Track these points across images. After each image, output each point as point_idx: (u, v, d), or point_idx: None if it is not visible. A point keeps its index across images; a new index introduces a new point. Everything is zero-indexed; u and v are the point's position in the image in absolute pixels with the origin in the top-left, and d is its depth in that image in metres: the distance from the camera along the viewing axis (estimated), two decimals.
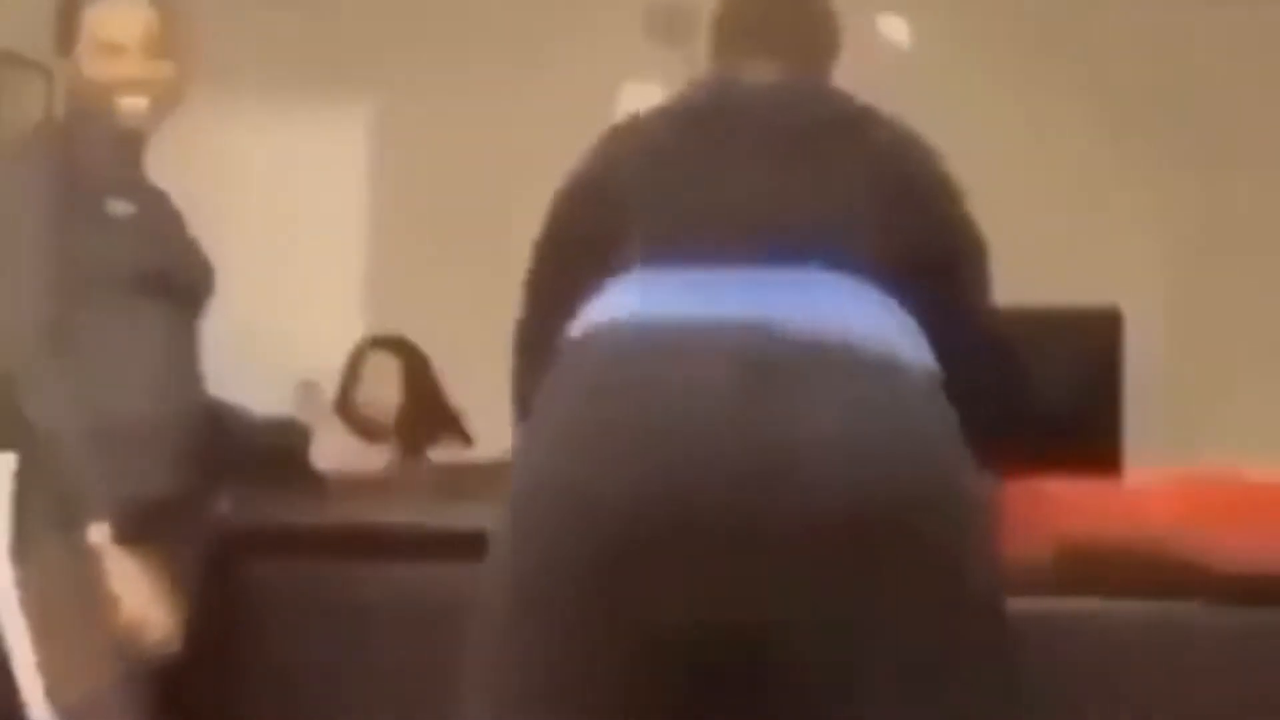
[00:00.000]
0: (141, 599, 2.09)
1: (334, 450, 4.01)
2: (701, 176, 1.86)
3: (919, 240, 1.87)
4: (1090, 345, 5.84)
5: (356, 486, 2.57)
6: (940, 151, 1.99)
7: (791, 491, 1.55)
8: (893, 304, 1.76)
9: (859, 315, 1.70)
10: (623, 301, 1.74)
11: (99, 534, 2.08)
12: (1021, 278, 5.89)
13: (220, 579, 2.44)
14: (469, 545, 1.79)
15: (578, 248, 1.90)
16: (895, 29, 4.70)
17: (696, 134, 1.92)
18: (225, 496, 2.58)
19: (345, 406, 4.45)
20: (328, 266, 6.44)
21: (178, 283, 2.36)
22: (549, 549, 1.60)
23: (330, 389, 4.62)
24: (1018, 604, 2.22)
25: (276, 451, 2.51)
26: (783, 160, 1.86)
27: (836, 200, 1.83)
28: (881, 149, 1.92)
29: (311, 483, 2.54)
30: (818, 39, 2.12)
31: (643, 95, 4.49)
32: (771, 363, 1.59)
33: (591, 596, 1.57)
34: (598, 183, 1.93)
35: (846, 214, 1.83)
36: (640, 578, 1.56)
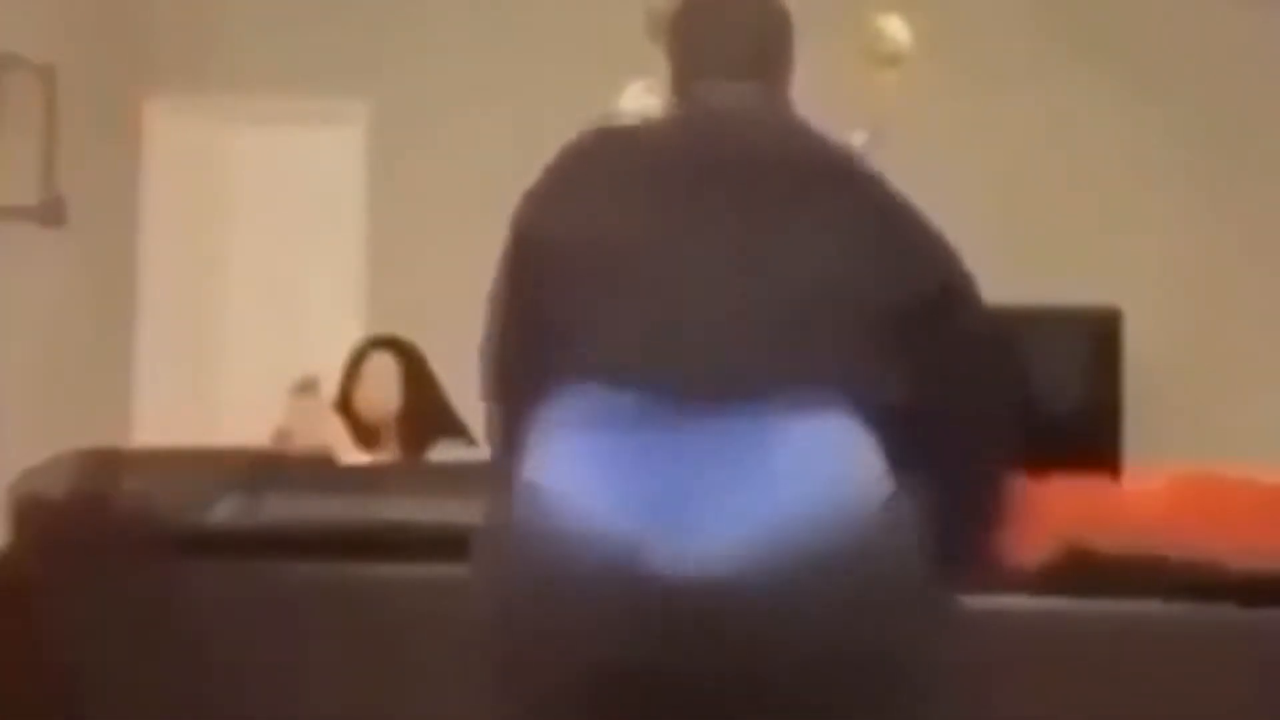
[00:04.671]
0: None
1: (333, 449, 4.01)
2: (653, 243, 1.81)
3: (907, 292, 1.82)
4: (1091, 345, 5.85)
5: (356, 485, 2.57)
6: (898, 191, 1.91)
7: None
8: (855, 435, 1.70)
9: (790, 495, 1.65)
10: (556, 464, 1.73)
11: None
12: (1022, 278, 5.91)
13: (218, 579, 2.44)
14: (468, 545, 1.79)
15: (528, 304, 1.91)
16: (896, 29, 4.69)
17: (651, 188, 1.87)
18: (224, 498, 2.57)
19: (345, 406, 4.44)
20: (327, 267, 6.45)
21: None
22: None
23: (330, 389, 4.61)
24: (1018, 604, 2.22)
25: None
26: (744, 232, 1.80)
27: (801, 282, 1.77)
28: (849, 215, 1.85)
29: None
30: (775, 61, 2.05)
31: (642, 94, 4.48)
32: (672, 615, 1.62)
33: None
34: (546, 252, 1.89)
35: (812, 291, 1.77)
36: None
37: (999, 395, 1.90)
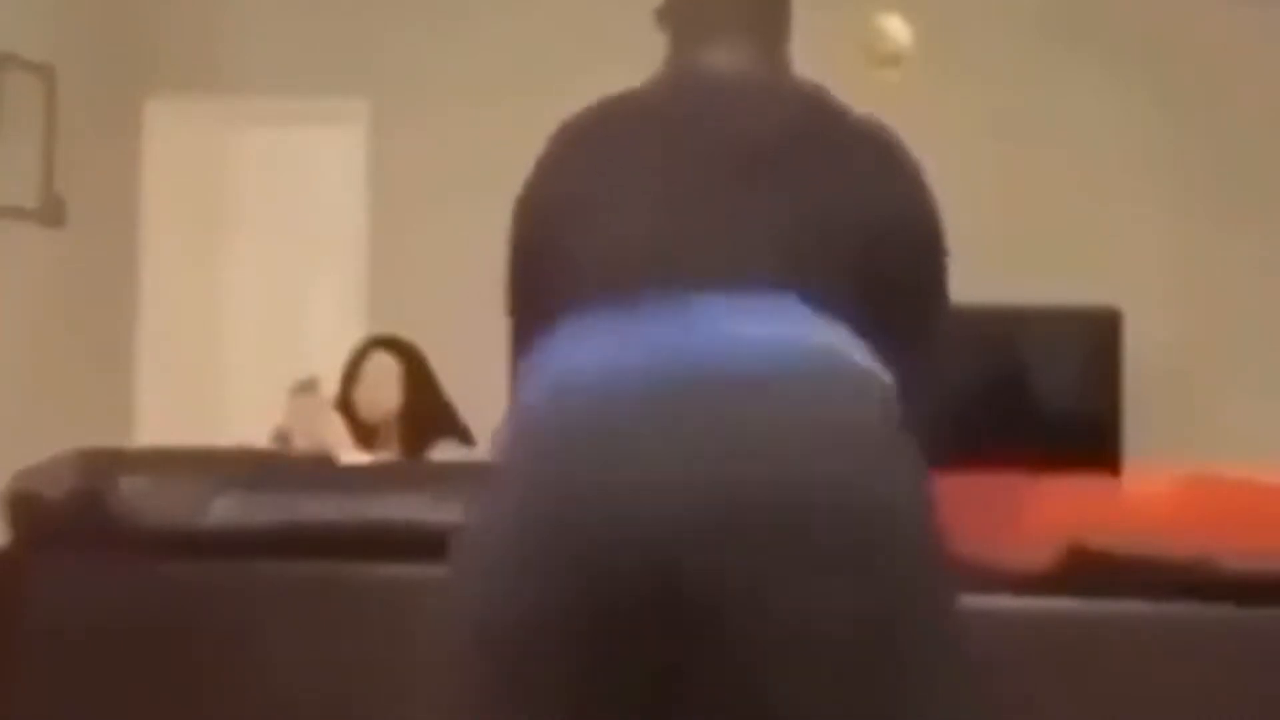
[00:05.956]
0: None
1: (333, 449, 4.01)
2: (656, 194, 1.83)
3: (892, 265, 1.83)
4: (1090, 345, 5.85)
5: (356, 485, 2.57)
6: (912, 156, 1.93)
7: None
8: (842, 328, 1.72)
9: (803, 326, 1.67)
10: (566, 358, 1.71)
11: None
12: (1022, 277, 5.90)
13: (218, 579, 2.45)
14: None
15: (537, 260, 1.92)
16: (897, 29, 4.69)
17: (654, 144, 1.87)
18: (223, 498, 2.58)
19: (345, 406, 4.45)
20: (328, 267, 6.45)
21: None
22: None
23: (330, 389, 4.62)
24: (1018, 604, 2.22)
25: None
26: (745, 179, 1.82)
27: (798, 225, 1.79)
28: (855, 166, 1.86)
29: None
30: (777, 19, 2.08)
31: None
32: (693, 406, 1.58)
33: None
34: (549, 198, 1.91)
35: (809, 238, 1.78)
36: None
37: (936, 393, 1.90)
